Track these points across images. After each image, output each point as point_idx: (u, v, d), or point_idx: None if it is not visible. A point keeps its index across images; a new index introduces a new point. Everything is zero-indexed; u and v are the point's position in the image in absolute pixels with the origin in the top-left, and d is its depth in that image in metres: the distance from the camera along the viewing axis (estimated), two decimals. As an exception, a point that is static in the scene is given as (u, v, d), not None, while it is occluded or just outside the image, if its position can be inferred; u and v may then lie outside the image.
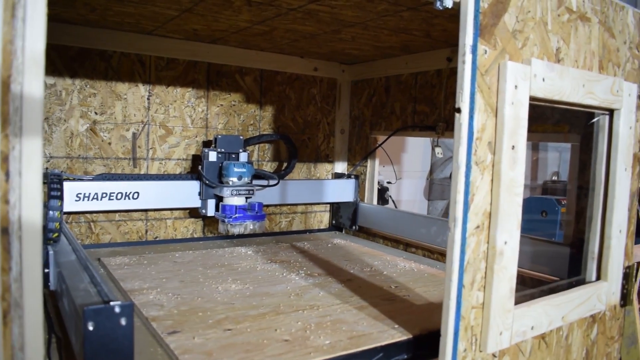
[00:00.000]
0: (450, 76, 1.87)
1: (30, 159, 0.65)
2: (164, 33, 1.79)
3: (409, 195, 2.80)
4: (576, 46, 1.16)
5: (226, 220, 1.76)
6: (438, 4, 0.96)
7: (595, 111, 1.31)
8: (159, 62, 1.86)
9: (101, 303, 0.73)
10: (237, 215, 1.76)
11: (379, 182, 2.33)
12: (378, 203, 2.30)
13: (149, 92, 1.85)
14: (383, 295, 1.37)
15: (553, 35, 1.11)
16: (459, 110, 0.96)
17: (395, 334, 1.11)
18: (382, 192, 2.32)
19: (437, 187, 2.89)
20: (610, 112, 1.29)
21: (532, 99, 1.04)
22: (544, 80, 1.06)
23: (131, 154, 1.83)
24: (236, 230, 1.77)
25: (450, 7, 0.97)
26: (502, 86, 1.00)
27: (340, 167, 2.35)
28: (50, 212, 1.15)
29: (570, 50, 1.15)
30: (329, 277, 1.52)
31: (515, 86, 1.01)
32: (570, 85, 1.13)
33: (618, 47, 1.28)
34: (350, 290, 1.40)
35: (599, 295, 1.30)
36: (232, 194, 1.77)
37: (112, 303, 0.73)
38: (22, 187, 0.65)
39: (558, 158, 3.55)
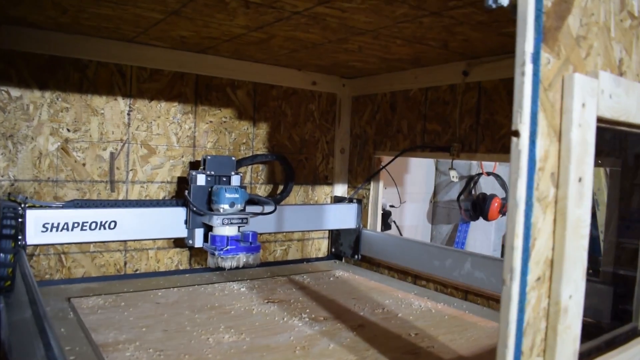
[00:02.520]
0: (466, 92, 1.69)
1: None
2: (147, 40, 1.58)
3: (412, 219, 2.61)
4: (638, 57, 0.98)
5: (216, 252, 1.54)
6: (491, 2, 0.78)
7: (649, 132, 1.13)
8: (141, 73, 1.65)
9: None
10: (228, 247, 1.55)
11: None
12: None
13: (130, 107, 1.64)
14: (404, 348, 1.17)
15: (616, 43, 0.93)
16: (517, 134, 0.76)
17: (431, 407, 0.90)
18: (385, 216, 2.12)
19: (442, 210, 2.70)
20: (669, 134, 1.11)
21: (598, 120, 0.86)
22: (610, 97, 0.88)
23: (108, 176, 1.61)
24: (228, 264, 1.56)
25: (505, 5, 0.78)
26: (568, 104, 0.81)
27: (340, 189, 2.15)
28: (1, 255, 0.93)
29: (632, 62, 0.97)
30: (337, 322, 1.31)
31: (583, 104, 0.82)
32: (636, 104, 0.94)
33: (678, 59, 1.10)
34: (365, 341, 1.20)
35: (658, 347, 1.11)
36: (223, 223, 1.56)
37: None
38: None
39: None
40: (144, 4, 1.21)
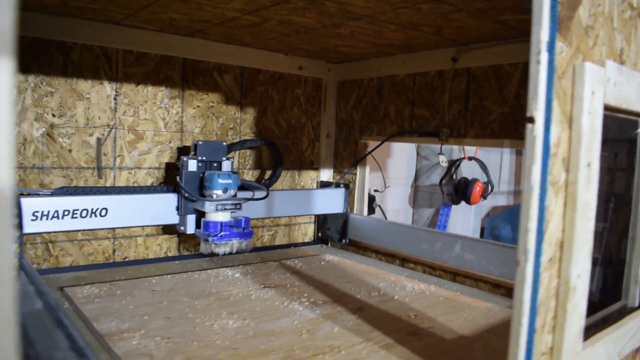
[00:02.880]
0: (455, 78, 1.71)
1: None
2: (135, 23, 1.54)
3: (394, 203, 2.64)
4: (635, 47, 1.02)
5: (210, 239, 1.53)
6: (508, -11, 0.79)
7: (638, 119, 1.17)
8: (127, 56, 1.61)
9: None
10: (222, 233, 1.54)
11: (366, 191, 2.15)
12: (366, 213, 2.12)
13: (116, 91, 1.60)
14: (406, 329, 1.19)
15: (618, 33, 0.95)
16: (532, 120, 0.78)
17: (444, 386, 0.93)
18: (370, 201, 2.14)
19: (423, 194, 2.74)
20: (660, 120, 1.15)
21: (604, 107, 0.88)
22: (614, 85, 0.91)
23: (95, 162, 1.57)
24: (221, 250, 1.55)
25: (522, -7, 0.79)
26: (579, 92, 0.83)
27: (326, 174, 2.16)
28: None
29: (631, 52, 1.00)
30: (336, 306, 1.32)
31: (593, 92, 0.84)
32: (636, 92, 0.98)
33: (668, 48, 1.14)
34: (367, 323, 1.21)
35: (647, 324, 1.16)
36: (216, 209, 1.54)
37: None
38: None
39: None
40: (139, -15, 1.18)
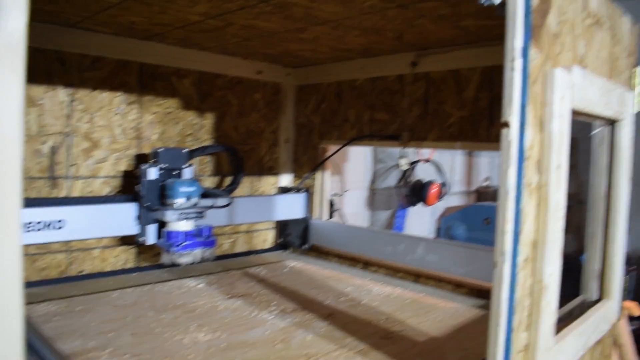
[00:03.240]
0: (414, 82, 1.74)
1: None
2: (91, 26, 1.48)
3: (352, 206, 2.65)
4: (594, 53, 1.06)
5: (172, 249, 1.49)
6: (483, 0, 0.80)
7: (594, 122, 1.23)
8: (82, 60, 1.54)
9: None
10: (185, 242, 1.50)
11: (326, 195, 2.15)
12: (327, 218, 2.12)
13: (71, 97, 1.53)
14: (379, 333, 1.20)
15: (580, 40, 0.99)
16: (507, 125, 0.80)
17: (425, 390, 0.93)
18: (329, 205, 2.14)
19: (380, 197, 2.77)
20: (612, 122, 1.21)
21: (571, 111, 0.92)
22: (580, 90, 0.94)
23: (49, 172, 1.50)
24: (185, 260, 1.51)
25: (496, 3, 0.81)
26: (550, 97, 0.86)
27: (286, 179, 2.14)
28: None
29: (590, 58, 1.04)
30: (306, 313, 1.31)
31: (562, 97, 0.87)
32: (596, 95, 1.02)
33: (618, 56, 1.20)
34: (340, 329, 1.21)
35: (605, 315, 1.22)
36: (179, 218, 1.50)
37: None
38: None
39: (489, 163, 3.60)
40: (100, -13, 1.13)
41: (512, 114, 0.80)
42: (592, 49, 1.06)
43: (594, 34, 1.06)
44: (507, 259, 0.83)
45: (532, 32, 0.82)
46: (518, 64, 0.80)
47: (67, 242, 1.54)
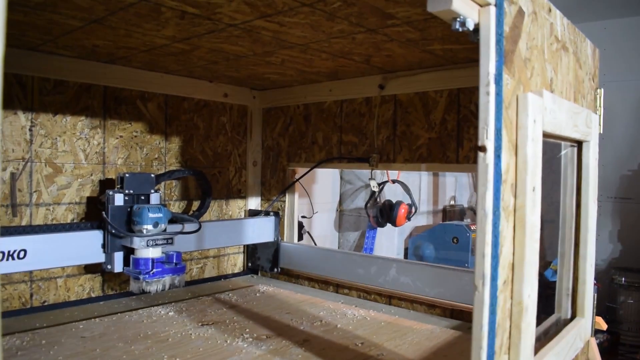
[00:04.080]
0: (382, 104, 1.75)
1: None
2: (53, 49, 1.44)
3: (321, 228, 2.64)
4: (561, 77, 1.10)
5: (141, 276, 1.45)
6: (457, 25, 0.82)
7: (562, 143, 1.26)
8: (44, 84, 1.50)
9: None
10: (154, 270, 1.46)
11: (295, 218, 2.13)
12: (296, 240, 2.10)
13: (32, 122, 1.48)
14: (356, 358, 1.18)
15: (548, 64, 1.02)
16: (483, 149, 0.81)
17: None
18: (298, 227, 2.12)
19: (348, 218, 2.77)
20: (579, 144, 1.25)
21: (542, 134, 0.94)
22: (550, 113, 0.97)
23: (9, 199, 1.44)
24: (154, 288, 1.46)
25: (471, 29, 0.83)
26: (523, 121, 0.88)
27: (254, 202, 2.12)
28: None
29: (558, 81, 1.08)
30: (281, 340, 1.29)
31: (534, 120, 0.89)
32: (565, 118, 1.05)
33: (583, 79, 1.25)
34: (316, 355, 1.19)
35: (579, 333, 1.24)
36: (147, 245, 1.46)
37: None
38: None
39: (455, 182, 3.66)
40: (65, 10, 1.10)
41: (488, 138, 0.81)
42: (560, 72, 1.09)
43: (561, 58, 1.09)
44: (487, 282, 0.83)
45: (505, 57, 0.84)
46: (492, 89, 0.82)
47: (30, 272, 1.48)
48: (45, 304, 1.51)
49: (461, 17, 0.79)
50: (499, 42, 0.82)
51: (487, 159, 0.81)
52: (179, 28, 1.24)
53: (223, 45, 1.39)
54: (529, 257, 0.89)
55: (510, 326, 0.89)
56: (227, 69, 1.70)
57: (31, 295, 1.49)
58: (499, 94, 0.83)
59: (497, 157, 0.83)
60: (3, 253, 1.28)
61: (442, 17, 0.79)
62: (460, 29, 0.83)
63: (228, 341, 1.27)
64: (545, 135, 0.97)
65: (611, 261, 3.65)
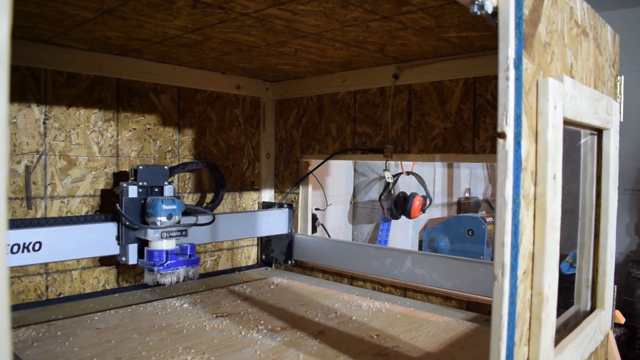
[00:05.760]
0: (396, 94, 1.73)
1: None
2: (65, 42, 1.44)
3: (334, 221, 2.63)
4: (581, 62, 1.07)
5: (155, 268, 1.44)
6: (475, 8, 0.79)
7: (582, 130, 1.23)
8: (57, 77, 1.50)
9: None
10: (168, 262, 1.45)
11: (309, 210, 2.12)
12: (310, 233, 2.09)
13: (45, 115, 1.48)
14: (372, 350, 1.17)
15: (568, 49, 1.00)
16: (503, 136, 0.79)
17: (425, 407, 0.91)
18: (312, 220, 2.11)
19: (362, 210, 2.75)
20: (599, 132, 1.22)
21: (563, 121, 0.92)
22: (571, 99, 0.94)
23: (24, 192, 1.44)
24: (168, 280, 1.46)
25: (490, 12, 0.80)
26: (544, 106, 0.86)
27: (267, 195, 2.11)
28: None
29: (578, 67, 1.05)
30: (296, 331, 1.28)
31: (555, 106, 0.87)
32: (585, 105, 1.02)
33: (603, 65, 1.22)
34: (331, 347, 1.18)
35: (600, 325, 1.21)
36: (161, 237, 1.46)
37: None
38: None
39: (469, 174, 3.62)
40: (77, 0, 1.10)
41: (508, 124, 0.79)
42: (580, 58, 1.06)
43: (580, 43, 1.06)
44: (506, 272, 0.81)
45: (524, 41, 0.81)
46: (512, 73, 0.79)
47: (45, 264, 1.48)
48: (61, 296, 1.52)
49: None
50: (518, 25, 0.80)
51: (507, 145, 0.79)
52: (191, 18, 1.22)
53: (235, 35, 1.38)
54: (549, 247, 0.87)
55: (530, 317, 0.87)
56: (239, 60, 1.69)
57: (47, 288, 1.49)
58: (518, 79, 0.80)
59: (517, 143, 0.81)
60: (18, 245, 1.29)
61: (459, 0, 0.77)
62: (479, 12, 0.81)
63: (242, 333, 1.26)
64: (566, 122, 0.95)
65: (628, 254, 3.59)
